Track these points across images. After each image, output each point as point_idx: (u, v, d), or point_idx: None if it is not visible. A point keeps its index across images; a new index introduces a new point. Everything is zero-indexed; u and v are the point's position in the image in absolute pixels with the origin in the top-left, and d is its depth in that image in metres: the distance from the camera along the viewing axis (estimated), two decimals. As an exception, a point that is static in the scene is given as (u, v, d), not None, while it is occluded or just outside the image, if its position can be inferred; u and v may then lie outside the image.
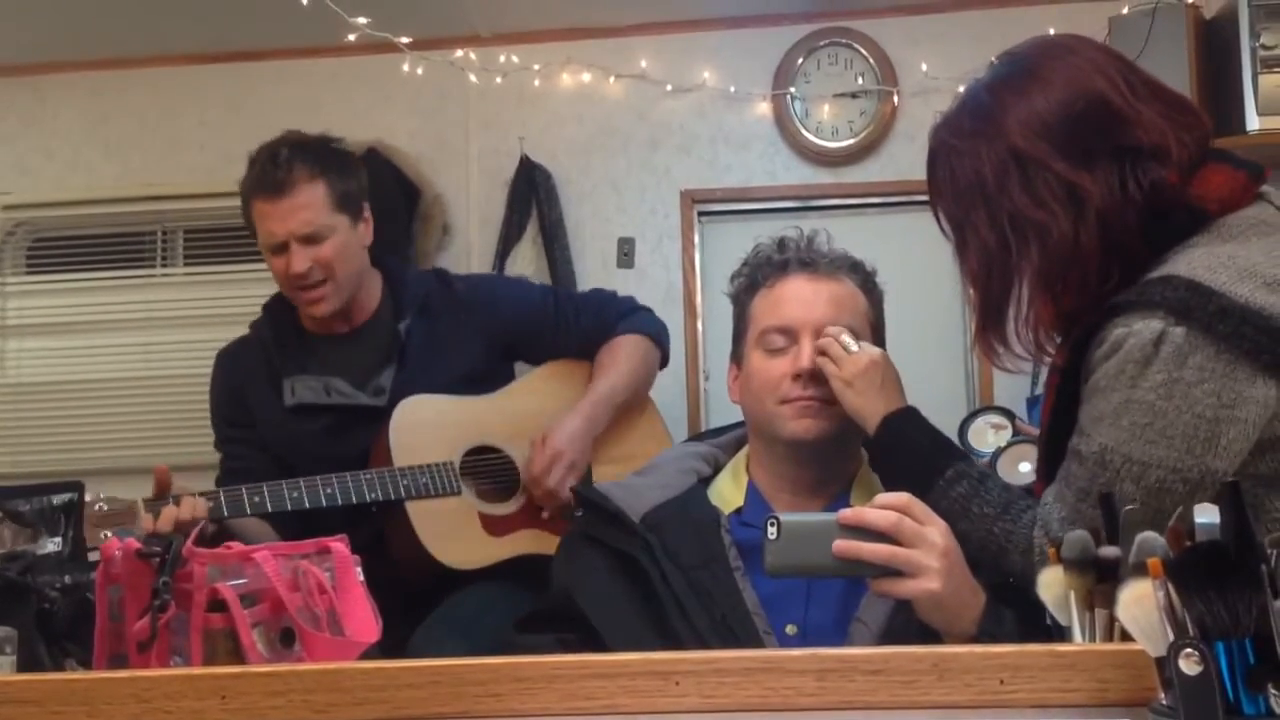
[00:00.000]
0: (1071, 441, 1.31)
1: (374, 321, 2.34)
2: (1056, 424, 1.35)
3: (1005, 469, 1.68)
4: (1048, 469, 1.37)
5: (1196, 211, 1.29)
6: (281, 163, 2.19)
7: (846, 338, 1.55)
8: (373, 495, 2.13)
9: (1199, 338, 1.20)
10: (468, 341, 2.36)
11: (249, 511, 2.03)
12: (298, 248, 2.20)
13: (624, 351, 2.43)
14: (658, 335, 2.51)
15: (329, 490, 2.09)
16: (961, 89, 1.44)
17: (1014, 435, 1.73)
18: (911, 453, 1.50)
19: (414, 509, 2.17)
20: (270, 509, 2.05)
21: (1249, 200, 1.31)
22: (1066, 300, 1.32)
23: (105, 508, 1.89)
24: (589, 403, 2.35)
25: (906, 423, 1.51)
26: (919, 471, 1.45)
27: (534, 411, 2.36)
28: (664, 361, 2.55)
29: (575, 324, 2.45)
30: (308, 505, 2.07)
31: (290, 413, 2.25)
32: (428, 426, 2.25)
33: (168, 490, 2.00)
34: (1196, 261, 1.24)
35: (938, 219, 1.43)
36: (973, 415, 1.83)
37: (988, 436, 1.77)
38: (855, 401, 1.53)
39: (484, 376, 2.37)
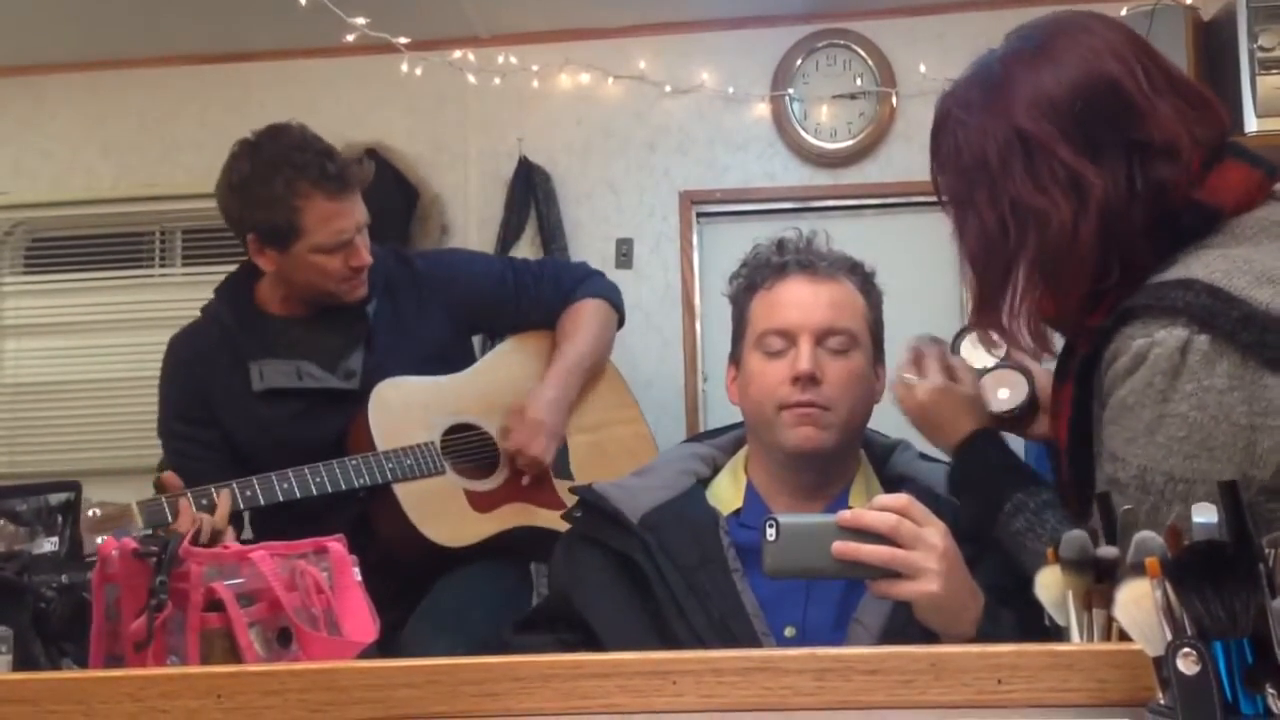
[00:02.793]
0: (1106, 470, 1.24)
1: (337, 303, 2.32)
2: (1075, 435, 1.30)
3: (986, 393, 1.65)
4: (1074, 481, 1.32)
5: (1208, 211, 1.24)
6: (336, 159, 2.19)
7: (907, 375, 1.54)
8: (360, 481, 2.13)
9: (1224, 345, 1.14)
10: (432, 319, 2.37)
11: (242, 506, 2.03)
12: (359, 239, 2.21)
13: (585, 317, 2.48)
14: (615, 299, 2.56)
15: (318, 479, 2.09)
16: (975, 59, 1.36)
17: (1004, 359, 1.63)
18: (974, 488, 1.47)
19: (401, 491, 2.18)
20: (263, 502, 2.04)
21: (1263, 199, 1.26)
22: (1064, 293, 1.28)
23: (99, 513, 1.88)
24: (561, 370, 2.40)
25: (969, 456, 1.48)
26: (984, 506, 1.42)
27: (505, 386, 2.39)
28: (620, 322, 2.59)
29: (535, 293, 2.49)
30: (298, 495, 2.07)
31: (258, 398, 2.22)
32: (405, 408, 2.26)
33: (170, 490, 2.00)
34: (1214, 265, 1.19)
35: (937, 192, 1.38)
36: (965, 330, 1.77)
37: (977, 354, 1.69)
38: (930, 439, 1.53)
39: (450, 353, 2.39)
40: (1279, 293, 1.16)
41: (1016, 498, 1.39)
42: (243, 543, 1.98)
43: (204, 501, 1.99)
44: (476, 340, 2.63)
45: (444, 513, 2.22)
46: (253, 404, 2.23)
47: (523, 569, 2.33)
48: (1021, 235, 1.26)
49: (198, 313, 2.41)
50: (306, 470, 2.09)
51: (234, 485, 2.02)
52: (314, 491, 2.09)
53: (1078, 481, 1.31)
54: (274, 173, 2.16)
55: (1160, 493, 1.17)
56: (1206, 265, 1.19)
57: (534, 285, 2.50)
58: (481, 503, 2.28)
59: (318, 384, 2.25)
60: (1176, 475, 1.16)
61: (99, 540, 1.82)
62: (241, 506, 2.03)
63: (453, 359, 2.40)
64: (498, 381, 2.41)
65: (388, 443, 2.20)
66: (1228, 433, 1.14)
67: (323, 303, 2.28)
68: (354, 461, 2.14)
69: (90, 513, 1.87)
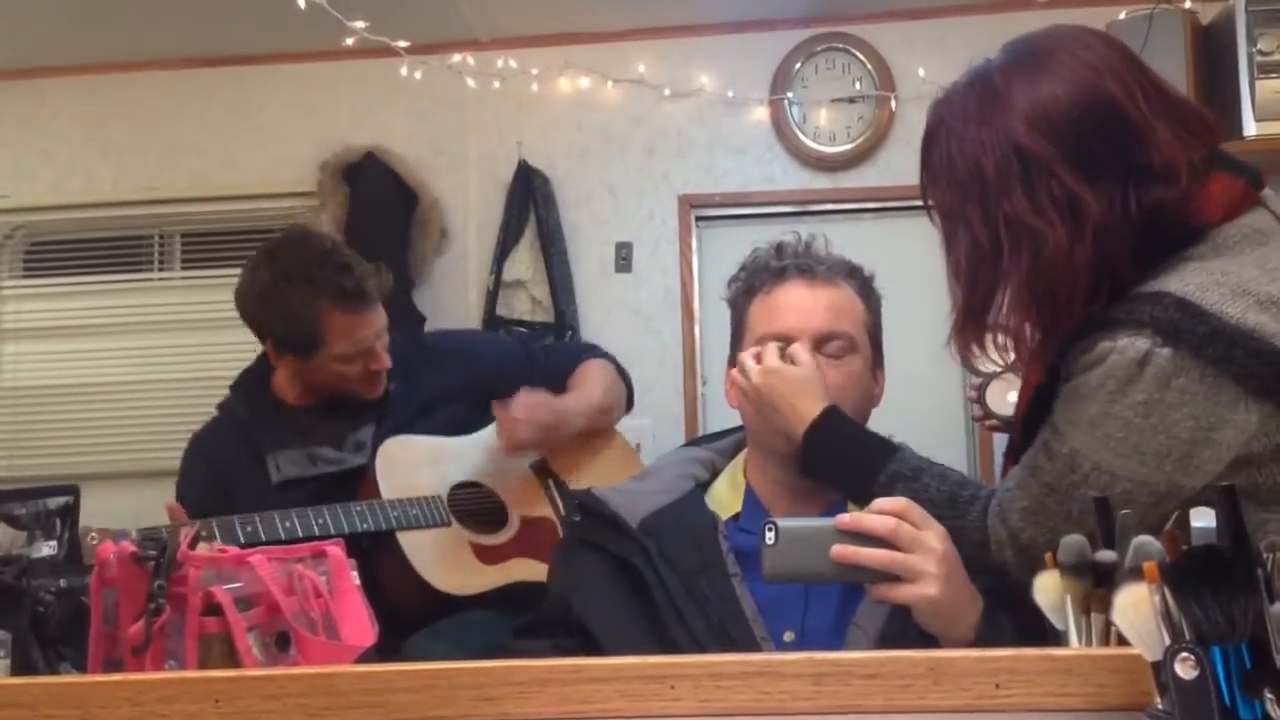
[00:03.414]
0: (1043, 434, 1.29)
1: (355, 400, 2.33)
2: (1032, 415, 1.33)
3: (993, 397, 1.65)
4: (1022, 450, 1.35)
5: (1193, 224, 1.25)
6: (354, 274, 2.20)
7: (748, 361, 1.54)
8: (364, 526, 2.12)
9: (1186, 359, 1.18)
10: (448, 396, 2.39)
11: (242, 541, 2.00)
12: (379, 344, 2.24)
13: (594, 371, 2.52)
14: (624, 371, 2.58)
15: (321, 521, 2.08)
16: (970, 66, 1.36)
17: (1011, 365, 1.67)
18: (837, 466, 1.48)
19: (405, 540, 2.16)
20: (264, 539, 2.02)
21: (1247, 208, 1.27)
22: (1050, 314, 1.28)
23: (96, 539, 1.87)
24: (574, 396, 2.43)
25: (823, 435, 1.47)
26: (853, 482, 1.44)
27: None
28: (629, 404, 2.60)
29: (547, 364, 2.52)
30: (301, 535, 2.05)
31: (276, 489, 2.23)
32: (412, 465, 2.26)
33: (175, 519, 1.99)
34: (1190, 278, 1.21)
35: (925, 201, 1.37)
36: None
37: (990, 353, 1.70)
38: (771, 423, 1.52)
39: (462, 427, 2.40)
40: (1253, 305, 1.18)
41: (889, 469, 1.41)
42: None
43: (204, 534, 1.98)
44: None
45: (449, 562, 2.20)
46: (270, 495, 2.22)
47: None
48: (1015, 254, 1.26)
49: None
50: (310, 512, 2.08)
51: (236, 521, 2.01)
52: (316, 532, 2.06)
53: (1024, 452, 1.34)
54: (292, 288, 2.18)
55: (1085, 476, 1.24)
56: (1183, 278, 1.21)
57: (545, 359, 2.54)
58: (488, 555, 2.27)
59: (330, 468, 2.26)
60: (1103, 467, 1.23)
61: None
62: (243, 542, 2.00)
63: (466, 431, 2.40)
64: None
65: (393, 494, 2.19)
66: (1163, 443, 1.20)
67: (341, 398, 2.31)
68: (358, 507, 2.13)
69: (89, 538, 1.87)
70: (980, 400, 1.75)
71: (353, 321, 2.19)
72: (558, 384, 2.50)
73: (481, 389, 2.44)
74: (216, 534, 1.99)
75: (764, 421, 1.54)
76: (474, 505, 2.32)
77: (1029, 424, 1.34)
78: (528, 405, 2.31)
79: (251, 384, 2.37)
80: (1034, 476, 1.29)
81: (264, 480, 2.24)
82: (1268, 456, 1.21)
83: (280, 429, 2.29)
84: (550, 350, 2.61)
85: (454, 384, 2.41)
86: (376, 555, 2.17)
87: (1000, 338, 1.34)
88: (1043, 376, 1.33)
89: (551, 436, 2.38)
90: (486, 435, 2.42)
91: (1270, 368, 1.17)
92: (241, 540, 2.01)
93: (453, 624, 2.14)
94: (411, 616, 2.15)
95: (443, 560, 2.20)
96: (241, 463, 2.27)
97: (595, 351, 2.58)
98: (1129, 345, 1.20)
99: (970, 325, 1.33)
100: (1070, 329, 1.28)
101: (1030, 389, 1.36)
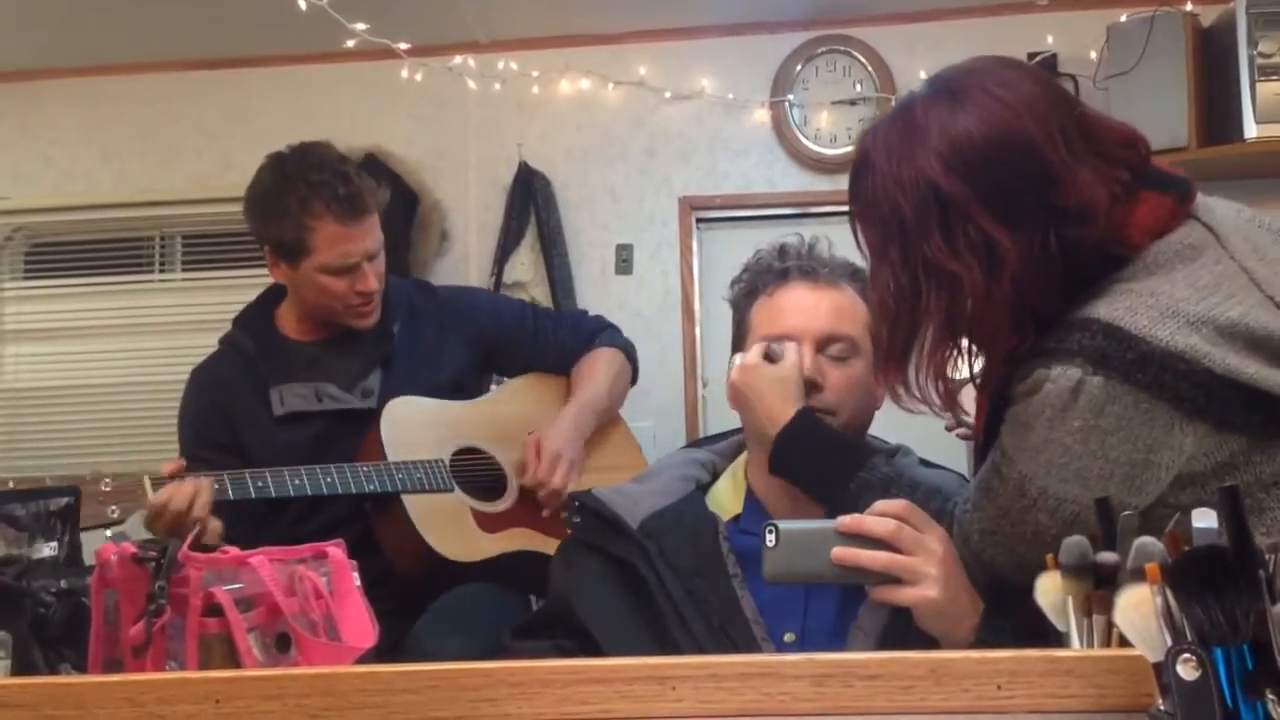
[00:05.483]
0: (993, 455, 1.30)
1: (348, 327, 2.34)
2: (987, 436, 1.34)
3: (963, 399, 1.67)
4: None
5: (1118, 252, 1.25)
6: (352, 183, 2.21)
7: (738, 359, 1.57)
8: (370, 487, 2.14)
9: (1117, 387, 1.18)
10: (452, 348, 2.40)
11: (252, 494, 2.03)
12: (368, 266, 2.23)
13: (603, 362, 2.50)
14: (630, 352, 2.58)
15: (329, 479, 2.10)
16: (898, 99, 1.38)
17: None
18: (808, 470, 1.49)
19: (410, 503, 2.18)
20: (274, 494, 2.05)
21: (1177, 223, 1.27)
22: (982, 349, 1.30)
23: (110, 484, 1.91)
24: (576, 407, 2.41)
25: (792, 439, 1.48)
26: (820, 491, 1.45)
27: (516, 417, 2.40)
28: (634, 378, 2.60)
29: (554, 337, 2.51)
30: (309, 492, 2.08)
31: (279, 423, 2.24)
32: (417, 426, 2.27)
33: (178, 473, 2.00)
34: (1118, 302, 1.21)
35: (854, 230, 1.38)
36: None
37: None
38: (745, 421, 1.55)
39: (466, 383, 2.42)
40: (1182, 327, 1.18)
41: (859, 478, 1.43)
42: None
43: (216, 486, 2.00)
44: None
45: (450, 527, 2.21)
46: (273, 429, 2.24)
47: (524, 598, 2.32)
48: (932, 296, 1.27)
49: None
50: (318, 470, 2.10)
51: (247, 474, 2.03)
52: (324, 490, 2.09)
53: None
54: (289, 190, 2.19)
55: (1034, 500, 1.25)
56: (1111, 303, 1.22)
57: (552, 329, 2.53)
58: (488, 523, 2.28)
59: (336, 405, 2.26)
60: (1049, 492, 1.24)
61: (109, 510, 1.86)
62: (252, 495, 2.03)
63: (468, 390, 2.42)
64: (508, 412, 2.42)
65: (397, 455, 2.20)
66: (1103, 468, 1.21)
67: (336, 326, 2.31)
68: (365, 468, 2.15)
69: (102, 484, 1.92)
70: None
71: (342, 232, 2.19)
72: (562, 359, 2.50)
73: (483, 346, 2.46)
74: (229, 489, 2.01)
75: (742, 417, 1.56)
76: (475, 472, 2.33)
77: (983, 453, 1.35)
78: (551, 460, 2.31)
79: (254, 318, 2.38)
80: (989, 498, 1.31)
81: (266, 413, 2.25)
82: (1210, 474, 1.22)
83: (285, 362, 2.30)
84: (559, 321, 2.59)
85: (458, 335, 2.41)
86: (379, 520, 2.20)
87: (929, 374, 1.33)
88: (986, 414, 1.35)
89: (582, 452, 2.39)
90: (489, 402, 2.44)
91: (1202, 389, 1.17)
92: (252, 493, 2.03)
93: (459, 608, 2.14)
94: (411, 584, 2.17)
95: (445, 525, 2.21)
96: (244, 393, 2.28)
97: (604, 334, 2.56)
98: (1061, 375, 1.21)
99: (894, 364, 1.33)
100: (1001, 361, 1.30)
101: (982, 415, 1.37)
